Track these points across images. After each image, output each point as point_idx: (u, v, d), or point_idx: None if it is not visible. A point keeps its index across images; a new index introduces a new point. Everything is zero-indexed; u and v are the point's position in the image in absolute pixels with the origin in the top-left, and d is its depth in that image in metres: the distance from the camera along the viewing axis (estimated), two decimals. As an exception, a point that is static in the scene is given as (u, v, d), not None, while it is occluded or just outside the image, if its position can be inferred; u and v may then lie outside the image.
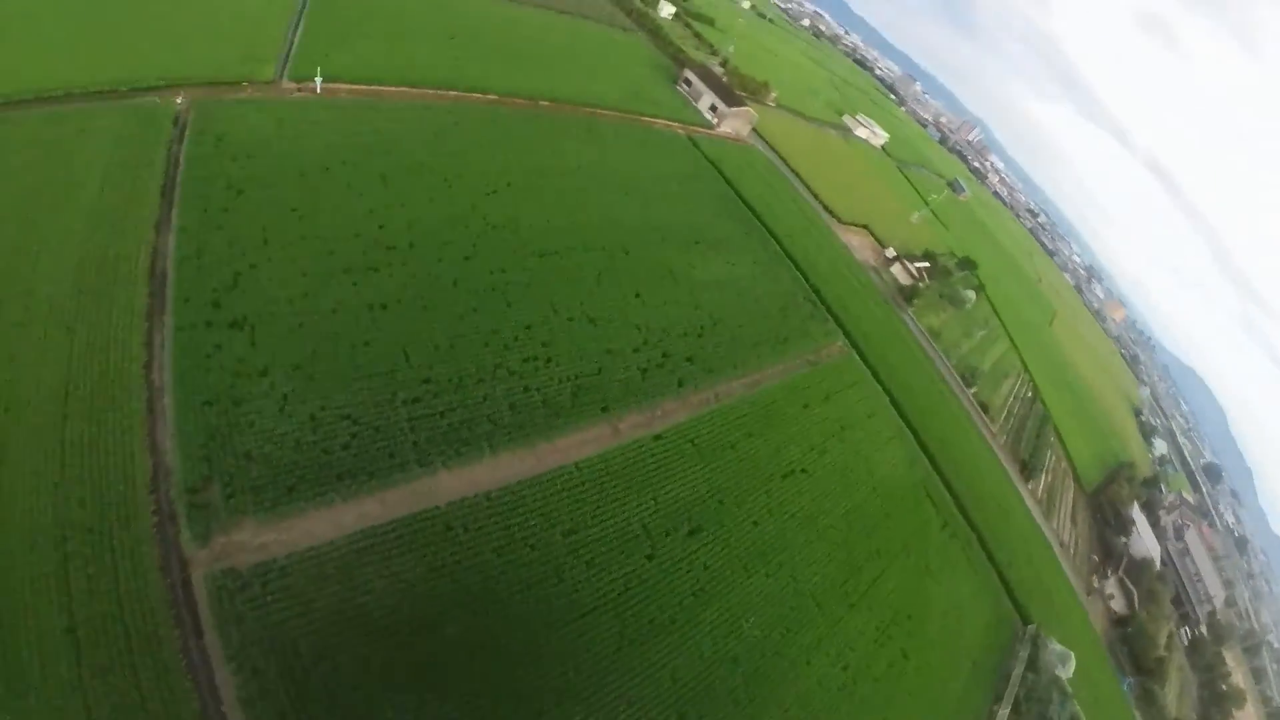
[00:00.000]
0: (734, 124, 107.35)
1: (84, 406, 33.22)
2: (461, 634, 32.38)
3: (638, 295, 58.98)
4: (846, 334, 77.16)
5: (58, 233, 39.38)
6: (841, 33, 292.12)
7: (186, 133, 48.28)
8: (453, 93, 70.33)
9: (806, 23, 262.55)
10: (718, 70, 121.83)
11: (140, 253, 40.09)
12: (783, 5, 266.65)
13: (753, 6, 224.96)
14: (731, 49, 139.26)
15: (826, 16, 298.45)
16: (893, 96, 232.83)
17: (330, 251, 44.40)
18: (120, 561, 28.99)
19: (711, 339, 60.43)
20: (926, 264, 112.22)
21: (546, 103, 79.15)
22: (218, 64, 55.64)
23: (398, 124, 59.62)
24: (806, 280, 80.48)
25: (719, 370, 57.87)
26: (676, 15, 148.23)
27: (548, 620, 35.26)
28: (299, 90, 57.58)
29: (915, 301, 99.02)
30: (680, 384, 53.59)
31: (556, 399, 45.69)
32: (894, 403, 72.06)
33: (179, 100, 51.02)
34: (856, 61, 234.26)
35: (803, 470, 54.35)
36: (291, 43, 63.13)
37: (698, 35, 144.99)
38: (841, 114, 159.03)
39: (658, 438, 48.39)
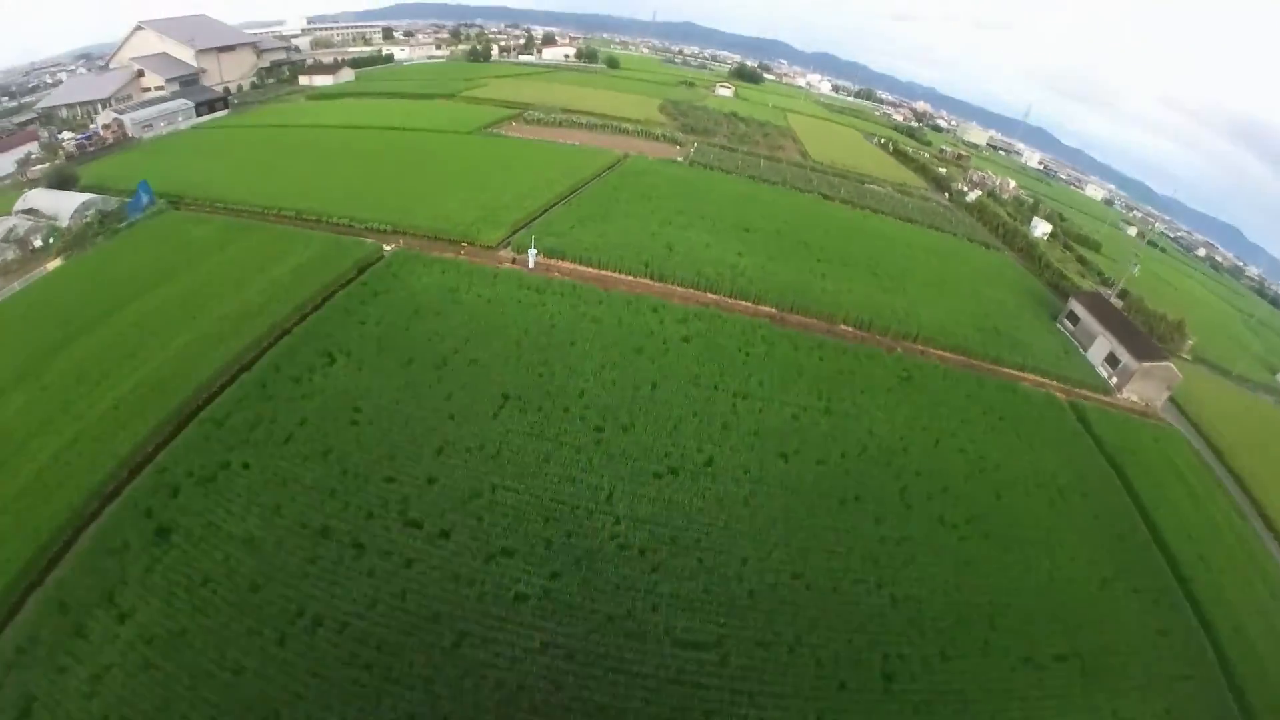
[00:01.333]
0: (1144, 388, 64.18)
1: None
2: None
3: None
4: None
5: (182, 324, 37.60)
6: (1239, 263, 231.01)
7: (361, 278, 43.77)
8: (710, 296, 50.92)
9: (1202, 252, 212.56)
10: (1115, 302, 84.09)
11: (187, 392, 32.37)
12: (1171, 234, 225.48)
13: (1141, 234, 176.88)
14: (1137, 270, 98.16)
15: (1218, 246, 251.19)
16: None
17: (332, 491, 28.72)
18: None
19: None
20: None
21: (849, 328, 52.37)
22: (451, 221, 53.17)
23: (591, 322, 43.74)
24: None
25: None
26: (1053, 235, 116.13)
27: None
28: (514, 261, 50.52)
29: None
30: None
31: None
32: None
33: (388, 247, 48.32)
34: (1270, 301, 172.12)
35: None
36: (543, 212, 59.00)
37: (1081, 260, 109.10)
38: (1275, 372, 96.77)
39: None
